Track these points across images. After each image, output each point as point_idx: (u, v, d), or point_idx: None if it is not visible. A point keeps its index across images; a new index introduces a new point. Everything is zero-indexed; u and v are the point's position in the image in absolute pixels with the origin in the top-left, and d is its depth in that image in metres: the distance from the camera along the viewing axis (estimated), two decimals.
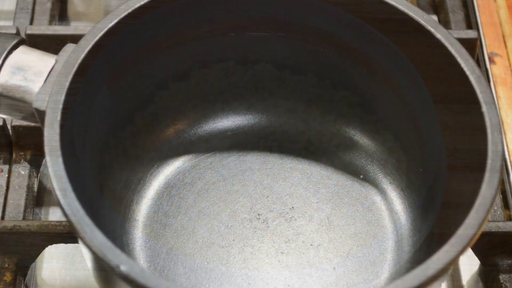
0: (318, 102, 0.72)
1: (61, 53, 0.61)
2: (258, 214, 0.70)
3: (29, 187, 0.74)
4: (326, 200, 0.71)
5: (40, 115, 0.59)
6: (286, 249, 0.68)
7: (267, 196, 0.71)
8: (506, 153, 0.77)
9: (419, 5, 0.91)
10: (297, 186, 0.72)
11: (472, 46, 0.81)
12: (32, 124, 0.73)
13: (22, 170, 0.75)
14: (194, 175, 0.72)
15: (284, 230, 0.69)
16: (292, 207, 0.70)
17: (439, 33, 0.62)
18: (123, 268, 0.52)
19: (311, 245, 0.68)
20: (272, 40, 0.69)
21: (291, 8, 0.67)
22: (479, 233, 0.54)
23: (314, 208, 0.70)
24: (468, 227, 0.54)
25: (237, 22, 0.68)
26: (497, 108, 0.63)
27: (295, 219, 0.70)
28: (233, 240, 0.69)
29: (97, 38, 0.61)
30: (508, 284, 0.69)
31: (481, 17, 0.87)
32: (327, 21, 0.67)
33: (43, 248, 0.70)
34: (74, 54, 0.60)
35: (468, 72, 0.60)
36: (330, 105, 0.72)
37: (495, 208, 0.74)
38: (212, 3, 0.66)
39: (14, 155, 0.76)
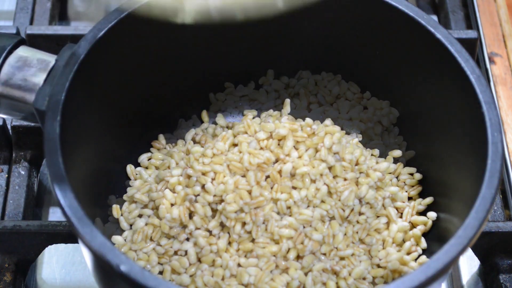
0: None
1: (61, 53, 0.61)
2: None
3: (29, 187, 0.74)
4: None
5: (40, 115, 0.59)
6: None
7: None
8: (506, 153, 0.77)
9: (419, 5, 0.91)
10: None
11: (472, 46, 0.81)
12: (32, 124, 0.73)
13: (22, 170, 0.75)
14: None
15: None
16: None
17: (439, 33, 0.62)
18: (123, 268, 0.52)
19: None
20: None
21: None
22: (479, 233, 0.54)
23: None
24: (468, 227, 0.54)
25: None
26: (497, 108, 0.63)
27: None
28: None
29: (97, 38, 0.61)
30: (508, 284, 0.69)
31: (481, 17, 0.87)
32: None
33: (43, 248, 0.70)
34: (74, 54, 0.60)
35: (468, 72, 0.60)
36: None
37: (495, 208, 0.74)
38: None
39: (14, 155, 0.76)
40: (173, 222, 0.64)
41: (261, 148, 0.68)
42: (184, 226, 0.63)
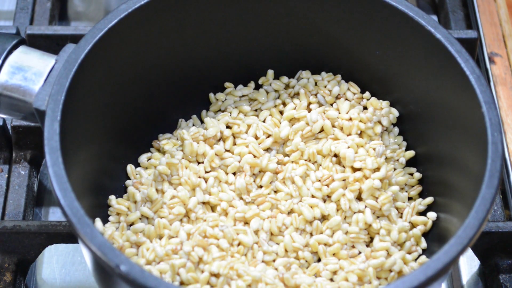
0: None
1: (61, 53, 0.61)
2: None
3: (29, 187, 0.74)
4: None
5: (40, 115, 0.59)
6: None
7: None
8: (506, 153, 0.77)
9: (419, 5, 0.91)
10: None
11: (472, 46, 0.81)
12: (32, 124, 0.73)
13: (22, 170, 0.75)
14: None
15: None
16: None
17: (439, 33, 0.62)
18: (123, 268, 0.52)
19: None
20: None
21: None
22: (479, 233, 0.54)
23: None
24: (468, 227, 0.54)
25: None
26: (497, 108, 0.63)
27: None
28: None
29: (97, 38, 0.61)
30: (508, 284, 0.69)
31: (481, 17, 0.87)
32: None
33: (43, 248, 0.70)
34: (74, 54, 0.60)
35: (468, 72, 0.60)
36: None
37: (495, 208, 0.74)
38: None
39: (14, 155, 0.76)
40: (173, 222, 0.64)
41: (261, 148, 0.68)
42: (184, 226, 0.63)
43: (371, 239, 0.65)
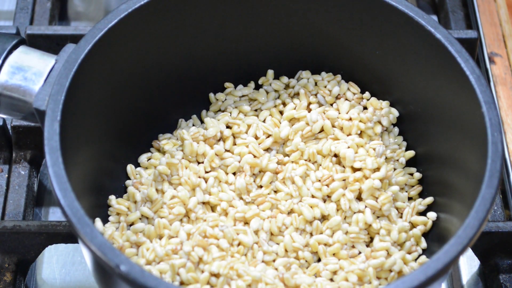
0: None
1: (61, 53, 0.61)
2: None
3: (29, 187, 0.74)
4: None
5: (40, 115, 0.59)
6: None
7: None
8: (506, 153, 0.77)
9: (419, 5, 0.91)
10: None
11: (472, 46, 0.81)
12: (32, 124, 0.73)
13: (22, 170, 0.75)
14: None
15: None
16: None
17: (439, 33, 0.62)
18: (123, 268, 0.52)
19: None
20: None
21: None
22: (479, 233, 0.55)
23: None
24: (468, 227, 0.54)
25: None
26: (497, 108, 0.63)
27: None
28: None
29: (97, 38, 0.61)
30: (508, 284, 0.69)
31: (481, 17, 0.87)
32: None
33: (43, 248, 0.70)
34: (74, 54, 0.60)
35: (468, 72, 0.60)
36: None
37: (495, 208, 0.74)
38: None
39: (14, 155, 0.76)
40: (173, 222, 0.64)
41: (261, 148, 0.68)
42: (184, 226, 0.63)
43: (371, 239, 0.65)
